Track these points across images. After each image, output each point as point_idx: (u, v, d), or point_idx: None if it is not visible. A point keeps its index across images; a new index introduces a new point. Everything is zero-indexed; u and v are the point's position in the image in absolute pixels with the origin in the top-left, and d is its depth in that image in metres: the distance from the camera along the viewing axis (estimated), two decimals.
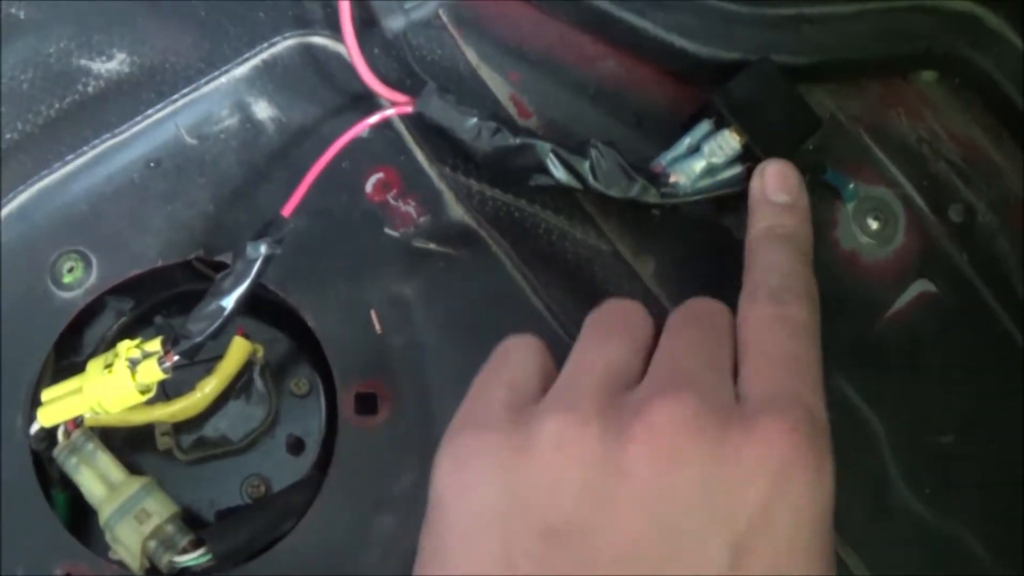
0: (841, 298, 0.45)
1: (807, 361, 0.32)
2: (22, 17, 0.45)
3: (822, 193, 0.45)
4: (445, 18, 0.44)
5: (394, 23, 0.41)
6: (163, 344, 0.39)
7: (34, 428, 0.41)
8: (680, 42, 0.43)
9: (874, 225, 0.45)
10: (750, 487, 0.27)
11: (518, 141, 0.41)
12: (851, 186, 0.45)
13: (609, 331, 0.33)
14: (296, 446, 0.43)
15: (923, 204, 0.46)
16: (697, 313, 0.34)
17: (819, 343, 0.33)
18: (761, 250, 0.37)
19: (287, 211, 0.40)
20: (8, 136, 0.44)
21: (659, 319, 0.35)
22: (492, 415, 0.30)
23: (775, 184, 0.39)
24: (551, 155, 0.41)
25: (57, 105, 0.44)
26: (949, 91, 0.47)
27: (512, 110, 0.44)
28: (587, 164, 0.41)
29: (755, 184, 0.39)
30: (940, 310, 0.45)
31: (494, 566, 0.27)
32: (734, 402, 0.30)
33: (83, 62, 0.45)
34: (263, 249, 0.39)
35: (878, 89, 0.46)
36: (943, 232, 0.46)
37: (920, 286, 0.46)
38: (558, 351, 0.35)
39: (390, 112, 0.41)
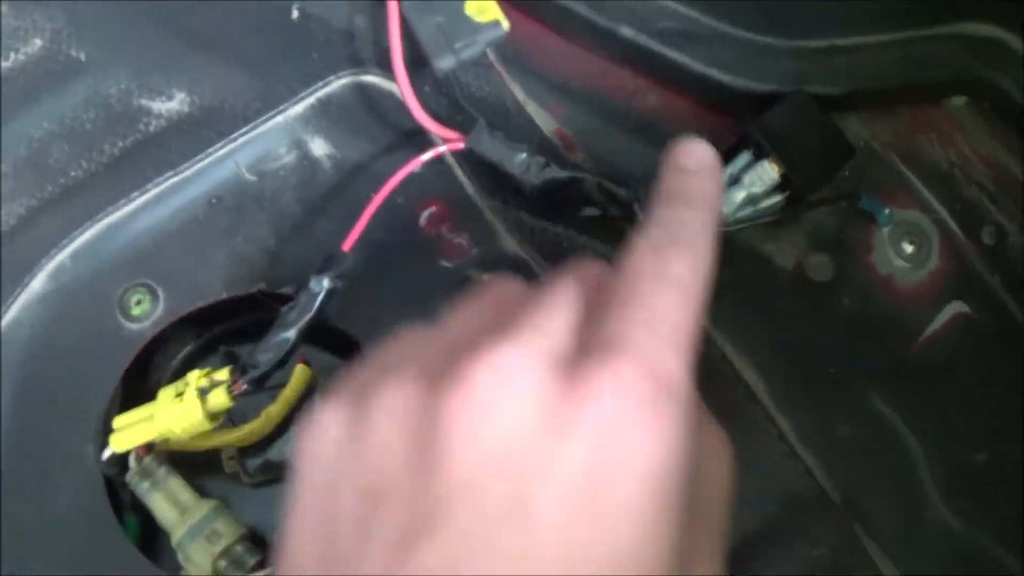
0: (877, 321, 0.47)
1: (670, 318, 0.29)
2: (83, 59, 0.47)
3: (858, 219, 0.47)
4: (492, 56, 0.46)
5: (444, 63, 0.43)
6: (231, 373, 0.42)
7: (106, 454, 0.44)
8: (717, 75, 0.45)
9: (909, 249, 0.47)
10: (572, 444, 0.26)
11: (566, 175, 0.43)
12: (886, 211, 0.47)
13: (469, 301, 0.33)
14: None
15: (956, 227, 0.48)
16: (556, 278, 0.32)
17: (696, 303, 0.30)
18: (655, 208, 0.34)
19: (347, 246, 0.42)
20: (73, 174, 0.46)
21: (703, 345, 0.36)
22: (346, 387, 0.30)
23: (683, 154, 0.36)
24: (598, 187, 0.43)
25: (120, 144, 0.46)
26: (979, 115, 0.49)
27: (558, 143, 0.46)
28: (633, 195, 0.43)
29: (666, 158, 0.36)
30: (974, 331, 0.47)
31: (317, 531, 0.28)
32: (570, 355, 0.28)
33: (143, 102, 0.47)
34: (326, 283, 0.42)
35: (909, 115, 0.48)
36: (976, 254, 0.48)
37: (954, 307, 0.48)
38: None
39: (442, 149, 0.43)
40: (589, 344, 0.28)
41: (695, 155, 0.36)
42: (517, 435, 0.26)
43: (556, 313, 0.29)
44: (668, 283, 0.30)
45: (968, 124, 0.49)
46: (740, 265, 0.46)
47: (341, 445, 0.28)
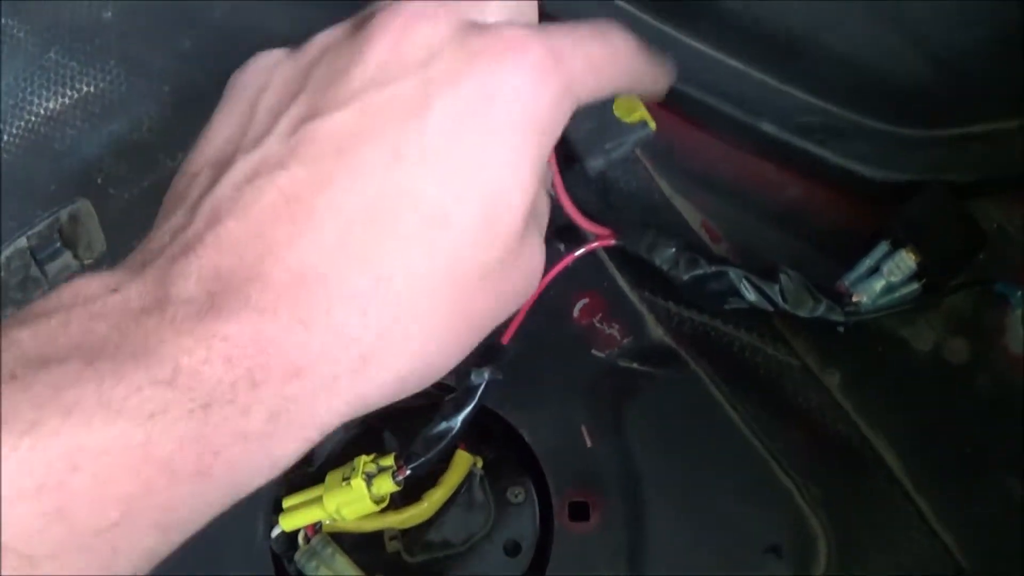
0: (1013, 401, 0.50)
1: (590, 50, 0.35)
2: None
3: (992, 301, 0.51)
4: (639, 152, 0.50)
5: (596, 163, 0.46)
6: (396, 460, 0.46)
7: (275, 532, 0.49)
8: (857, 167, 0.49)
9: None
10: (477, 70, 0.32)
11: (712, 269, 0.47)
12: (1019, 293, 0.51)
13: None
14: (513, 550, 0.50)
15: None
16: None
17: (606, 75, 0.36)
18: None
19: (506, 339, 0.47)
20: None
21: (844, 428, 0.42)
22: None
23: None
24: (743, 281, 0.47)
25: None
26: None
27: (704, 236, 0.50)
28: (776, 287, 0.47)
29: None
30: None
31: (235, 119, 0.34)
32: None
33: None
34: (486, 375, 0.46)
35: None
36: None
37: None
38: (755, 468, 0.43)
39: (595, 245, 0.47)
40: (514, 22, 0.34)
41: None
42: (430, 52, 0.32)
43: (484, 4, 0.35)
44: (603, 47, 0.36)
45: None
46: (879, 350, 0.49)
47: (278, 61, 0.36)
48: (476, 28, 0.33)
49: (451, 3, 0.34)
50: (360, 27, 0.34)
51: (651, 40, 0.42)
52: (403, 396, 0.33)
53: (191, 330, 0.27)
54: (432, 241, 0.31)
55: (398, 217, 0.31)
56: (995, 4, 0.45)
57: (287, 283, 0.28)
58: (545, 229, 0.39)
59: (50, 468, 0.24)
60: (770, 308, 0.47)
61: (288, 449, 0.29)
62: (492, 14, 0.35)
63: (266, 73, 0.36)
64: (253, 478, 0.29)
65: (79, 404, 0.25)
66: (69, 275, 0.53)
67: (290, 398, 0.28)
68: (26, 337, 0.27)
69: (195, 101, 0.53)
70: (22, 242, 0.54)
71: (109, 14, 0.54)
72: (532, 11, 0.37)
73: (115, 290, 0.28)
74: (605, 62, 0.36)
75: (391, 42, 0.33)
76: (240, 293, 0.28)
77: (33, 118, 0.55)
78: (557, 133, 0.34)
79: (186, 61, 0.54)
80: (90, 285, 0.29)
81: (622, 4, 0.49)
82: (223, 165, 0.32)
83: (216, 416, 0.27)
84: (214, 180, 0.31)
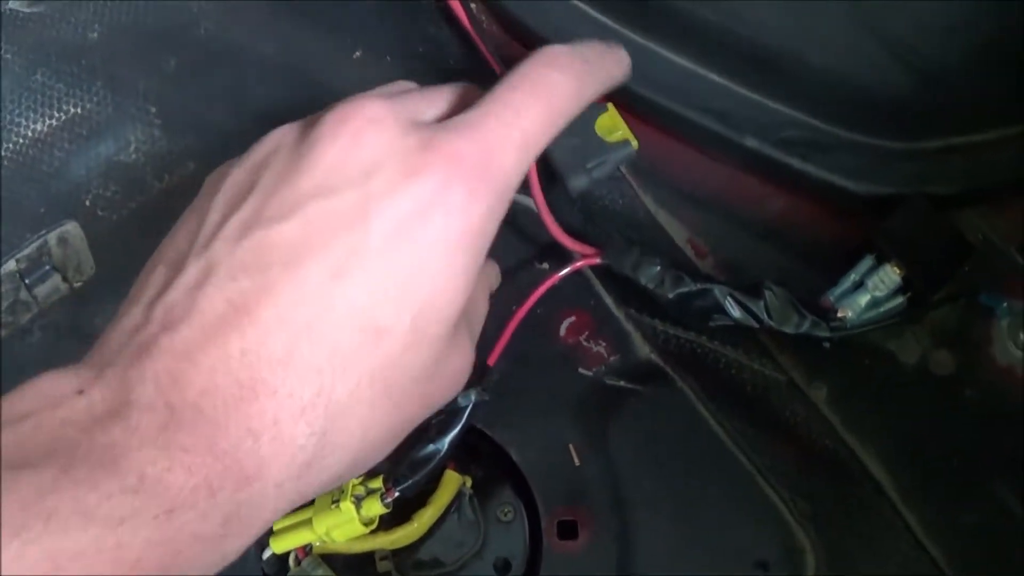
0: (1000, 412, 0.51)
1: (526, 126, 0.36)
2: None
3: (978, 313, 0.51)
4: (623, 169, 0.50)
5: (578, 183, 0.47)
6: (385, 482, 0.47)
7: (267, 554, 0.49)
8: (840, 181, 0.49)
9: None
10: (414, 187, 0.33)
11: (697, 287, 0.48)
12: (1004, 304, 0.51)
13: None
14: (503, 568, 0.51)
15: None
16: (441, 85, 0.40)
17: (553, 127, 0.37)
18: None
19: (492, 360, 0.47)
20: None
21: (831, 442, 0.43)
22: None
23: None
24: (728, 298, 0.48)
25: None
26: None
27: (689, 252, 0.50)
28: (761, 304, 0.48)
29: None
30: None
31: (190, 227, 0.35)
32: (433, 127, 0.35)
33: None
34: (473, 397, 0.46)
35: None
36: None
37: None
38: (743, 483, 0.44)
39: (580, 264, 0.48)
40: (451, 122, 0.35)
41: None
42: (374, 164, 0.33)
43: (430, 96, 0.38)
44: (542, 99, 0.36)
45: None
46: (865, 363, 0.50)
47: (230, 170, 0.37)
48: (419, 134, 0.34)
49: (397, 103, 0.35)
50: (309, 128, 0.35)
51: (630, 56, 0.43)
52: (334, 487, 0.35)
53: (153, 440, 0.28)
54: (370, 352, 0.33)
55: (340, 331, 0.32)
56: (977, 18, 0.45)
57: (237, 396, 0.30)
58: (479, 331, 0.42)
59: (36, 567, 0.26)
60: (755, 325, 0.48)
61: (236, 546, 0.31)
62: (437, 108, 0.37)
63: (224, 169, 0.37)
64: (206, 572, 0.31)
65: (58, 510, 0.26)
66: (58, 298, 0.54)
67: (242, 503, 0.30)
68: (6, 441, 0.28)
69: (182, 121, 0.54)
70: (11, 265, 0.54)
71: (95, 35, 0.55)
72: (474, 94, 0.38)
73: (80, 392, 0.30)
74: (547, 118, 0.37)
75: (337, 151, 0.34)
76: (196, 406, 0.29)
77: (21, 140, 0.55)
78: (491, 235, 0.36)
79: (172, 81, 0.54)
80: (56, 386, 0.30)
81: (605, 21, 0.49)
82: (177, 266, 0.34)
83: (178, 520, 0.28)
84: (168, 281, 0.33)
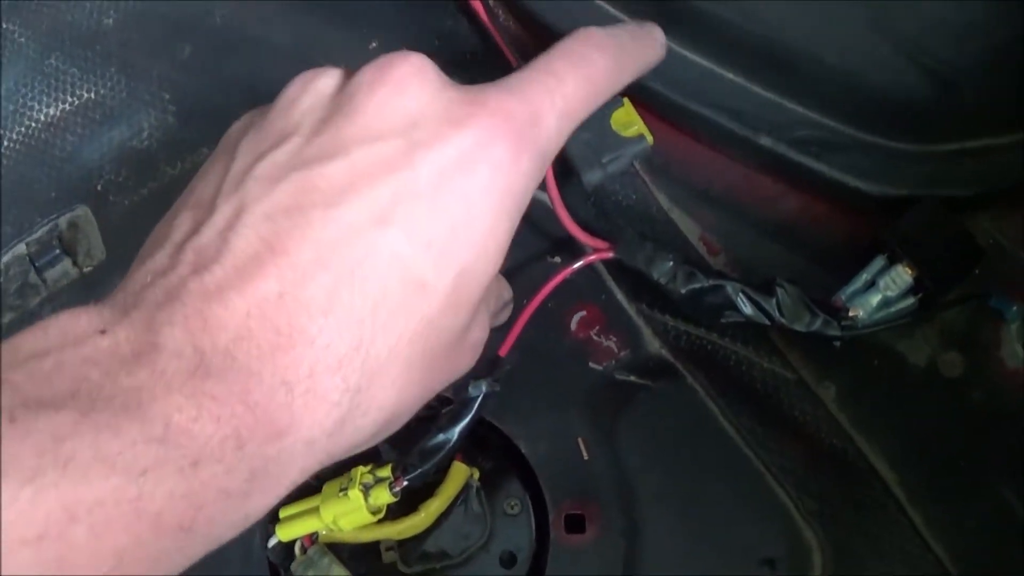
0: (1007, 414, 0.51)
1: (568, 94, 0.36)
2: None
3: (988, 316, 0.51)
4: (638, 166, 0.51)
5: (593, 177, 0.47)
6: (393, 471, 0.47)
7: (272, 542, 0.49)
8: (853, 182, 0.50)
9: None
10: (459, 136, 0.33)
11: (710, 283, 0.48)
12: (1014, 308, 0.51)
13: None
14: (509, 561, 0.51)
15: None
16: None
17: (594, 98, 0.38)
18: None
19: (503, 351, 0.48)
20: None
21: (839, 441, 0.44)
22: None
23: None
24: (740, 294, 0.48)
25: None
26: None
27: (702, 249, 0.51)
28: (773, 301, 0.48)
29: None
30: None
31: (219, 167, 0.34)
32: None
33: None
34: (484, 387, 0.46)
35: None
36: None
37: None
38: (750, 480, 0.44)
39: (592, 258, 0.48)
40: (494, 83, 0.35)
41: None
42: (419, 112, 0.33)
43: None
44: (582, 71, 0.37)
45: None
46: (874, 364, 0.50)
47: (256, 118, 0.36)
48: (462, 89, 0.35)
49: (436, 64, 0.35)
50: (350, 77, 0.35)
51: None
52: (362, 450, 0.34)
53: (181, 387, 0.27)
54: (411, 307, 0.32)
55: (385, 280, 0.31)
56: (991, 20, 0.45)
57: (273, 343, 0.29)
58: (495, 311, 0.42)
59: (49, 518, 0.24)
60: (767, 322, 0.48)
61: (261, 505, 0.30)
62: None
63: (249, 119, 0.37)
64: (228, 532, 0.30)
65: (76, 456, 0.25)
66: (68, 282, 0.54)
67: (270, 459, 0.29)
68: (21, 379, 0.27)
69: (195, 108, 0.54)
70: (21, 248, 0.54)
71: (110, 20, 0.55)
72: None
73: (103, 331, 0.28)
74: (586, 90, 0.37)
75: (381, 99, 0.33)
76: (228, 352, 0.28)
77: (33, 124, 0.55)
78: (527, 202, 0.35)
79: (186, 68, 0.55)
80: (78, 323, 0.29)
81: (624, 18, 0.50)
82: (206, 208, 0.32)
83: (204, 474, 0.27)
84: (196, 224, 0.31)
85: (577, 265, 0.48)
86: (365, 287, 0.31)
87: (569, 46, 0.38)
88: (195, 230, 0.31)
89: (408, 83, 0.34)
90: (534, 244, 0.51)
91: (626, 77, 0.40)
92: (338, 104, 0.34)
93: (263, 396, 0.28)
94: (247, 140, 0.34)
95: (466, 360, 0.38)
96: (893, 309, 0.48)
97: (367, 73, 0.34)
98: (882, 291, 0.48)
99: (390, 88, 0.34)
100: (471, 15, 0.51)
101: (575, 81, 0.36)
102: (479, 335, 0.38)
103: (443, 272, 0.32)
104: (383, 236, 0.31)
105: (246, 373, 0.28)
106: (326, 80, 0.35)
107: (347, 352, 0.30)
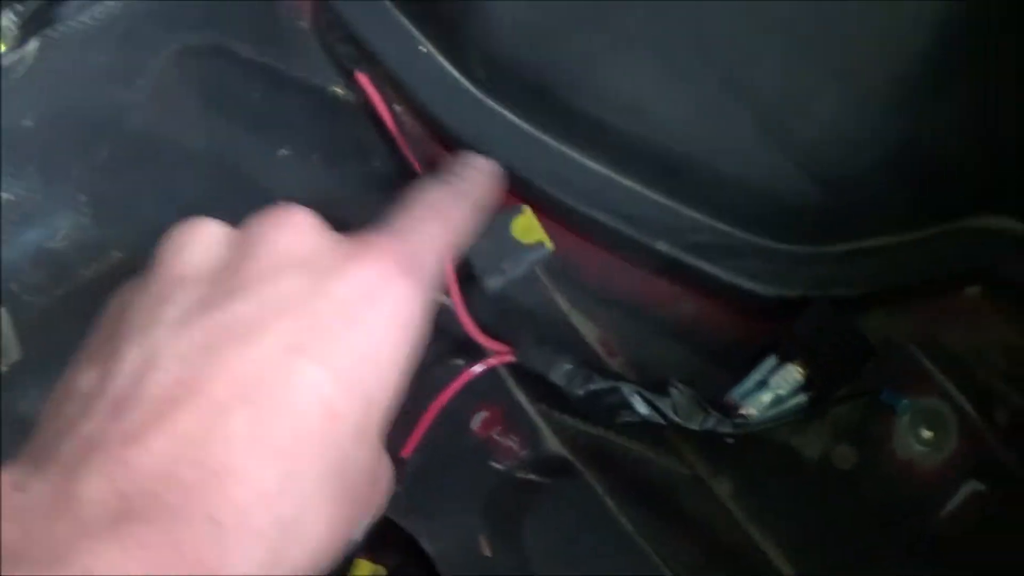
0: (900, 503, 0.53)
1: (434, 235, 0.41)
2: None
3: (879, 409, 0.53)
4: (538, 269, 0.53)
5: (494, 284, 0.49)
6: None
7: None
8: (748, 284, 0.52)
9: (927, 434, 0.53)
10: (353, 272, 0.36)
11: (606, 385, 0.50)
12: (904, 402, 0.53)
13: None
14: None
15: (972, 410, 0.54)
16: None
17: (452, 240, 0.43)
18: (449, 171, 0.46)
19: (406, 452, 0.49)
20: None
21: (736, 536, 0.46)
22: None
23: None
24: (636, 395, 0.50)
25: None
26: (992, 303, 0.55)
27: (601, 351, 0.52)
28: (668, 401, 0.50)
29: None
30: (989, 507, 0.53)
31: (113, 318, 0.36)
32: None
33: None
34: None
35: (927, 307, 0.54)
36: (991, 434, 0.54)
37: (971, 487, 0.54)
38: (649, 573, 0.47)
39: (493, 361, 0.50)
40: (372, 231, 0.39)
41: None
42: (318, 251, 0.36)
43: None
44: (441, 219, 0.42)
45: (984, 311, 0.55)
46: (769, 459, 0.52)
47: (147, 274, 0.37)
48: (348, 236, 0.38)
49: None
50: (245, 227, 0.38)
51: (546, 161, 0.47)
52: None
53: (102, 534, 0.27)
54: (327, 437, 0.33)
55: (302, 410, 0.32)
56: (880, 128, 0.48)
57: (199, 481, 0.29)
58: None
59: None
60: (662, 421, 0.50)
61: None
62: None
63: (129, 286, 0.38)
64: None
65: None
66: None
67: None
68: None
69: (110, 211, 0.55)
70: None
71: (29, 122, 0.56)
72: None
73: (20, 489, 0.29)
74: (446, 234, 0.43)
75: (281, 238, 0.36)
76: (152, 493, 0.28)
77: None
78: (421, 332, 0.38)
79: (103, 170, 0.56)
80: None
81: (523, 125, 0.52)
82: (111, 358, 0.33)
83: None
84: (106, 372, 0.32)
85: (478, 369, 0.50)
86: (286, 418, 0.32)
87: (427, 198, 0.43)
88: (105, 378, 0.32)
89: (304, 226, 0.37)
90: (437, 345, 0.52)
91: (476, 214, 0.45)
92: (236, 245, 0.36)
93: (190, 535, 0.28)
94: (141, 295, 0.36)
95: (378, 499, 0.39)
96: (785, 407, 0.50)
97: (266, 219, 0.37)
98: (773, 390, 0.50)
99: (289, 229, 0.36)
100: (379, 123, 0.52)
101: (437, 229, 0.41)
102: (386, 474, 0.39)
103: (352, 401, 0.34)
104: (298, 367, 0.33)
105: (171, 512, 0.28)
106: (212, 228, 0.38)
107: (274, 484, 0.31)
